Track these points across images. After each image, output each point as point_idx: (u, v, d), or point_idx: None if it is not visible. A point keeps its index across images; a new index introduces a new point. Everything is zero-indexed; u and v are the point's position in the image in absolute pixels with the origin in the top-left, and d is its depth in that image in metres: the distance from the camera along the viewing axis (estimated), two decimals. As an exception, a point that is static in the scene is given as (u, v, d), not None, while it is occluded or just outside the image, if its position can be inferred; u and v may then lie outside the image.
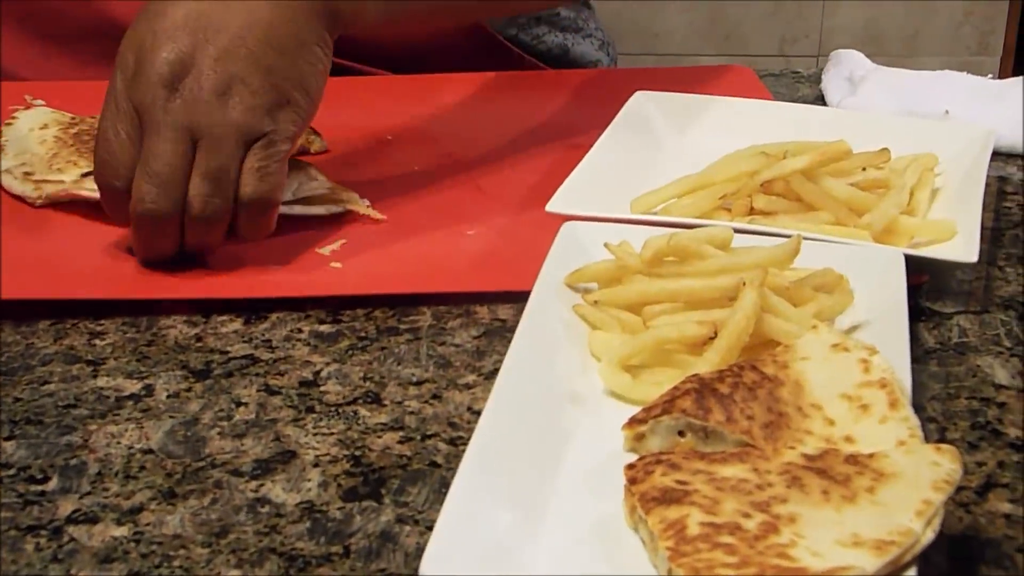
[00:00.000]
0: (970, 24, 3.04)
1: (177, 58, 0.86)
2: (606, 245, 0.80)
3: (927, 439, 0.64)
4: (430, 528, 0.58)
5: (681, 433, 0.66)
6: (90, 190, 0.92)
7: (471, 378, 0.77)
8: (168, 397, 0.76)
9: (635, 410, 0.68)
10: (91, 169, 0.97)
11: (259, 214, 0.88)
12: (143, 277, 0.88)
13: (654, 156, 1.03)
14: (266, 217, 0.89)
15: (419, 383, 0.77)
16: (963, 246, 0.85)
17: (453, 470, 0.62)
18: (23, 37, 1.26)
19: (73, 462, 0.70)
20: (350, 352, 0.80)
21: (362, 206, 0.96)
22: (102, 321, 0.83)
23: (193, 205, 0.86)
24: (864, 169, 0.94)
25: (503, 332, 0.82)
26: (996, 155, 1.02)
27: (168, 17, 0.87)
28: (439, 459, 0.70)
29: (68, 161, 0.99)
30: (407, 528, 0.65)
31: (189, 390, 0.76)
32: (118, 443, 0.71)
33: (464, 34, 1.30)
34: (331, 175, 0.99)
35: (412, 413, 0.74)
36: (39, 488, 0.68)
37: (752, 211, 0.90)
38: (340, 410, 0.74)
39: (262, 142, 0.87)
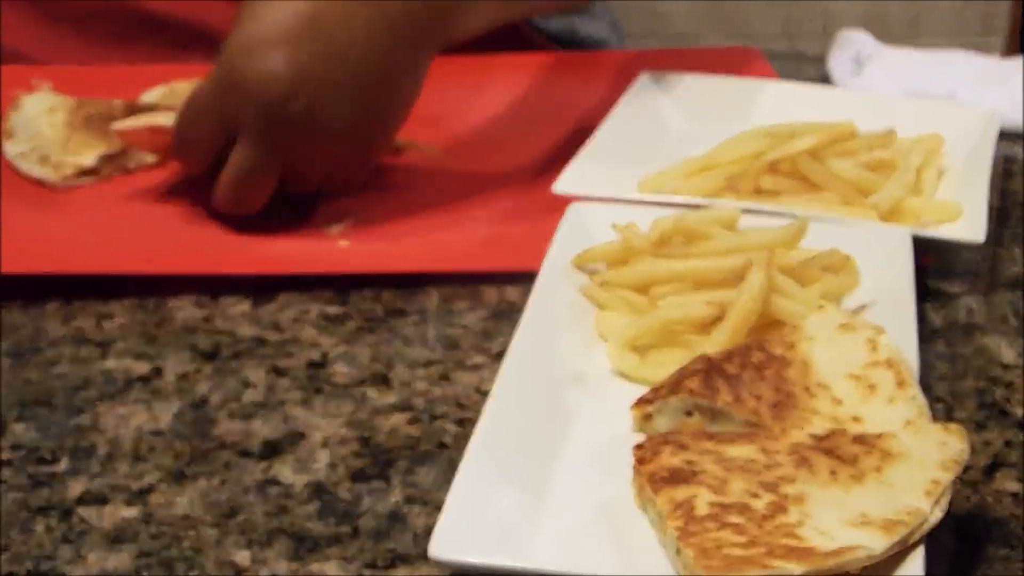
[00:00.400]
0: (974, 4, 3.03)
1: (283, 78, 0.85)
2: (613, 226, 0.80)
3: (934, 419, 0.64)
4: (438, 508, 0.59)
5: (689, 413, 0.66)
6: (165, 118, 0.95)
7: (479, 359, 0.77)
8: (177, 378, 0.76)
9: (643, 390, 0.68)
10: (108, 151, 0.99)
11: (344, 196, 0.94)
12: (151, 255, 0.88)
13: (660, 137, 1.03)
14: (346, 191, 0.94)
15: (427, 364, 0.77)
16: (970, 226, 0.85)
17: (461, 451, 0.62)
18: (28, 16, 1.26)
19: (83, 443, 0.70)
20: (358, 333, 0.80)
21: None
22: (111, 303, 0.83)
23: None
24: (871, 149, 0.94)
25: (510, 313, 0.82)
26: (1002, 135, 1.02)
27: (281, 16, 0.86)
28: (447, 440, 0.70)
29: (83, 143, 0.99)
30: (415, 508, 0.65)
31: (198, 371, 0.76)
32: (127, 424, 0.72)
33: None
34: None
35: (420, 394, 0.74)
36: (49, 469, 0.68)
37: (758, 191, 0.90)
38: (348, 391, 0.74)
39: (357, 159, 0.92)
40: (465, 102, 1.16)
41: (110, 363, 0.77)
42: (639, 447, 0.62)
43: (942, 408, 0.73)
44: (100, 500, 0.66)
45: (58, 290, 0.84)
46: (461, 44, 1.25)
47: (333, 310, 0.83)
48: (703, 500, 0.58)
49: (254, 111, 0.86)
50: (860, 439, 0.61)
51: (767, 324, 0.73)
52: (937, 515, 0.57)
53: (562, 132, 1.07)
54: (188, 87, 1.12)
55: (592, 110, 1.04)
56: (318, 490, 0.66)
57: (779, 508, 0.57)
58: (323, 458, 0.69)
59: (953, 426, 0.62)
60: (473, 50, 1.24)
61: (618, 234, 0.80)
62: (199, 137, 0.89)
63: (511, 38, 1.30)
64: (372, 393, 0.74)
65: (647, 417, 0.67)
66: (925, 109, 1.04)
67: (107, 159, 0.99)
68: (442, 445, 0.70)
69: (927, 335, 0.80)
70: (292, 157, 0.88)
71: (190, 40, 1.20)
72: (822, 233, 0.79)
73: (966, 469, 0.60)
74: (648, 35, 2.91)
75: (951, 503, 0.58)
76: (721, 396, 0.65)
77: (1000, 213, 0.95)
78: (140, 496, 0.66)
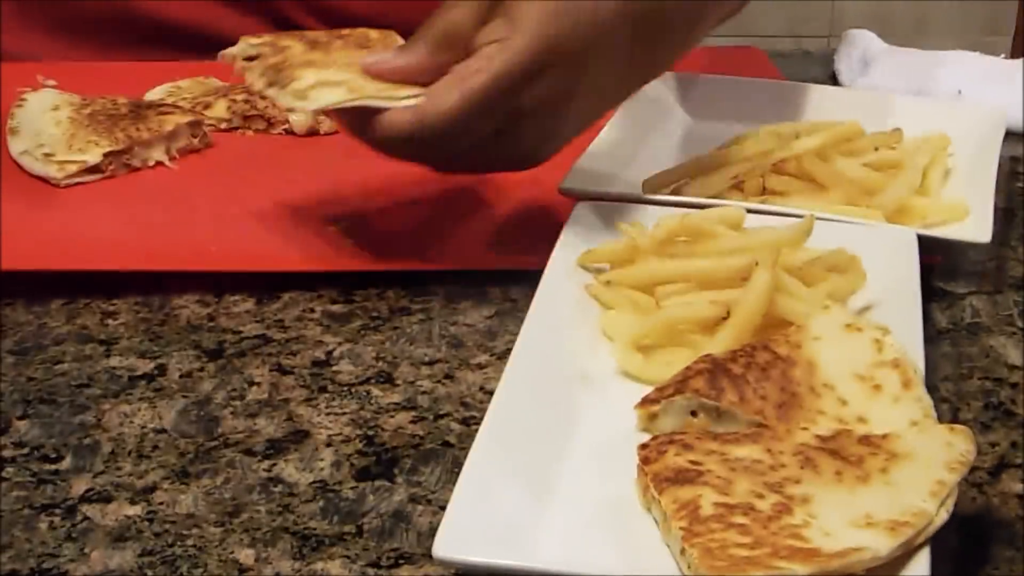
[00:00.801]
0: (981, 3, 3.03)
1: (560, 100, 0.81)
2: (618, 225, 0.80)
3: (940, 419, 0.64)
4: (443, 508, 0.59)
5: (694, 413, 0.66)
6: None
7: (483, 358, 0.77)
8: (181, 377, 0.76)
9: (647, 390, 0.68)
10: (113, 149, 0.98)
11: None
12: (155, 253, 0.88)
13: (666, 136, 1.02)
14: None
15: (431, 363, 0.77)
16: (976, 226, 0.85)
17: (466, 450, 0.62)
18: (32, 24, 1.26)
19: (86, 441, 0.70)
20: (362, 332, 0.80)
21: None
22: (114, 301, 0.83)
23: None
24: (876, 149, 0.94)
25: (515, 312, 0.82)
26: (1008, 135, 1.02)
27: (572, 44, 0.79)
28: (452, 439, 0.70)
29: (88, 141, 0.99)
30: (420, 508, 0.65)
31: (202, 370, 0.76)
32: (131, 422, 0.71)
33: None
34: (343, 155, 0.99)
35: (424, 393, 0.74)
36: (52, 467, 0.68)
37: (764, 191, 0.90)
38: (353, 390, 0.74)
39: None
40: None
41: (114, 361, 0.77)
42: (644, 447, 0.62)
43: (948, 409, 0.73)
44: (104, 498, 0.65)
45: (62, 288, 0.84)
46: None
47: (337, 308, 0.83)
48: (708, 500, 0.58)
49: (524, 115, 0.80)
50: (865, 440, 0.61)
51: (772, 324, 0.72)
52: (943, 516, 0.57)
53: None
54: (192, 85, 1.12)
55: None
56: (322, 489, 0.66)
57: (784, 509, 0.57)
58: (327, 457, 0.69)
59: (959, 427, 0.61)
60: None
61: (623, 233, 0.80)
62: (470, 136, 0.81)
63: None
64: (376, 392, 0.74)
65: (652, 417, 0.67)
66: (931, 108, 1.04)
67: (111, 156, 0.99)
68: (446, 444, 0.70)
69: (933, 335, 0.79)
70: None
71: (193, 46, 1.20)
72: (828, 233, 0.79)
73: (972, 470, 0.60)
74: (653, 34, 2.90)
75: (957, 504, 0.58)
76: (726, 396, 0.65)
77: (1006, 213, 0.95)
78: (143, 494, 0.66)
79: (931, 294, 0.84)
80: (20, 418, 0.72)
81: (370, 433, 0.71)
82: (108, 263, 0.86)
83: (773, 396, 0.65)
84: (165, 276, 0.85)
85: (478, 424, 0.64)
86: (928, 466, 0.59)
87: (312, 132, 1.06)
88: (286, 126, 1.06)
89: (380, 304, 0.83)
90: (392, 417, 0.72)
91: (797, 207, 0.85)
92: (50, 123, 1.02)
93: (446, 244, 0.90)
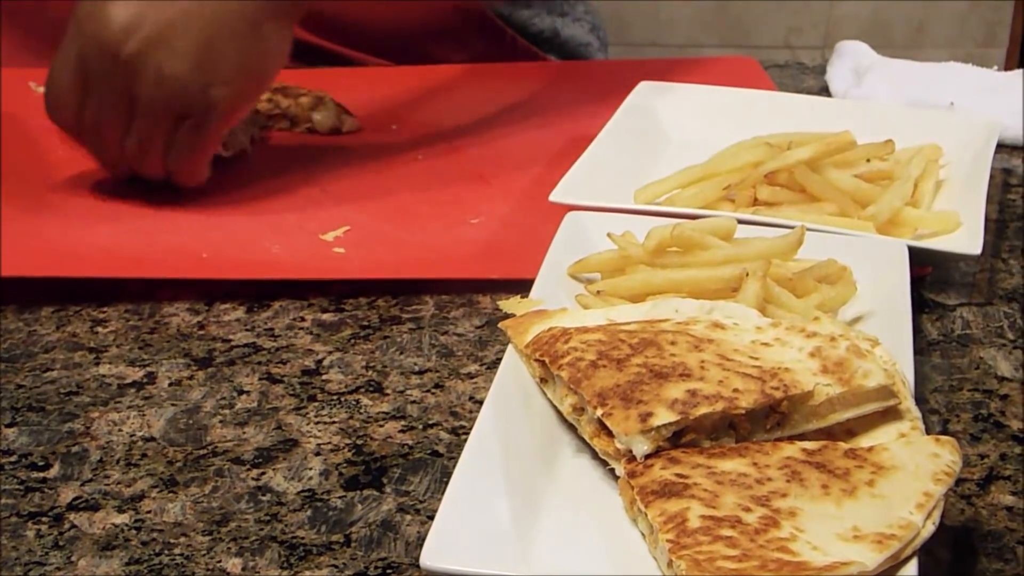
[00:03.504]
0: (976, 15, 3.03)
1: (126, 22, 0.88)
2: (609, 235, 0.80)
3: (929, 431, 0.64)
4: (431, 517, 0.58)
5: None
6: None
7: (473, 368, 0.77)
8: (170, 385, 0.76)
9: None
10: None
11: (182, 176, 0.95)
12: (146, 260, 0.88)
13: (658, 146, 1.02)
14: (189, 177, 0.95)
15: (421, 372, 0.77)
16: (967, 238, 0.85)
17: (454, 459, 0.62)
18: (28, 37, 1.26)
19: (75, 449, 0.70)
20: (352, 341, 0.80)
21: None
22: (104, 308, 0.83)
23: (128, 158, 0.93)
24: (868, 160, 0.94)
25: (505, 322, 0.82)
26: (1000, 147, 1.02)
27: None
28: (440, 448, 0.70)
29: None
30: (408, 517, 0.65)
31: (191, 378, 0.76)
32: (120, 430, 0.71)
33: (461, 16, 1.29)
34: (337, 163, 0.99)
35: (414, 402, 0.74)
36: (40, 475, 0.68)
37: (756, 202, 0.90)
38: (342, 399, 0.74)
39: (193, 120, 0.91)
40: (464, 110, 1.16)
41: (103, 369, 0.77)
42: (630, 460, 0.62)
43: (938, 420, 0.73)
44: (91, 506, 0.65)
45: (52, 295, 0.84)
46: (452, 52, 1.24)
47: (328, 317, 0.83)
48: (695, 513, 0.57)
49: (96, 54, 0.89)
50: (851, 452, 0.61)
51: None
52: (929, 528, 0.57)
53: (560, 141, 1.07)
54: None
55: (590, 119, 1.04)
56: (310, 498, 0.66)
57: (771, 522, 0.57)
58: (316, 466, 0.69)
59: (944, 438, 0.61)
60: (459, 50, 1.24)
61: (614, 243, 0.80)
62: (59, 92, 0.92)
63: (496, 39, 1.29)
64: (366, 401, 0.74)
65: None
66: (924, 120, 1.04)
67: None
68: (435, 454, 0.70)
69: (923, 347, 0.79)
70: (134, 107, 0.90)
71: None
72: (819, 244, 0.79)
73: (961, 482, 0.60)
74: (649, 44, 2.91)
75: (946, 516, 0.58)
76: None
77: (998, 225, 0.95)
78: (131, 503, 0.66)
79: (922, 305, 0.84)
80: (8, 425, 0.72)
81: (359, 442, 0.70)
82: (99, 270, 0.85)
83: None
84: (155, 284, 0.85)
85: (467, 434, 0.64)
86: (914, 478, 0.59)
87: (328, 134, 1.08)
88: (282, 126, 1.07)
89: (370, 313, 0.83)
90: (381, 426, 0.72)
91: (788, 218, 0.85)
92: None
93: (437, 254, 0.90)
